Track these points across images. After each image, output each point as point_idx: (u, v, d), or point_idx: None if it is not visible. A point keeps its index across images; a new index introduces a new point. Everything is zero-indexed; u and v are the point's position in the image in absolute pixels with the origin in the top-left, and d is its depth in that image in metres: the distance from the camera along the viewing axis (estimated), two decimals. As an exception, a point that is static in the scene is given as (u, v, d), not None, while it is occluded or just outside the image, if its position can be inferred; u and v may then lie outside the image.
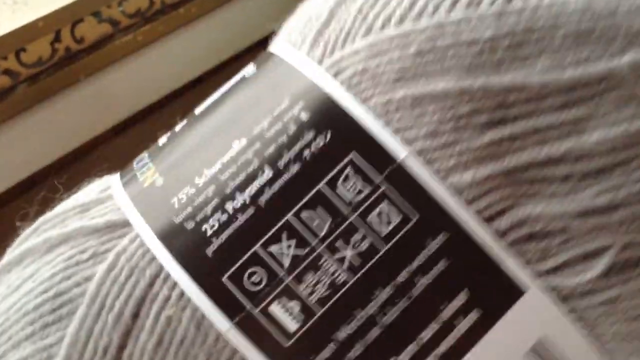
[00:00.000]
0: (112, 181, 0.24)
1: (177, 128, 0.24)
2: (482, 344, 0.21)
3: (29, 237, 0.24)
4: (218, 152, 0.22)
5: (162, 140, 0.24)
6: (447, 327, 0.21)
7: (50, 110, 0.32)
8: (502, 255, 0.21)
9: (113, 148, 0.36)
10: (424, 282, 0.20)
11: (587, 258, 0.21)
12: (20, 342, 0.22)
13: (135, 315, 0.21)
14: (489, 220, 0.21)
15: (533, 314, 0.21)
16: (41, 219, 0.24)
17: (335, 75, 0.21)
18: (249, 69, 0.24)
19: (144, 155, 0.24)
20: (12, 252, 0.24)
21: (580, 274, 0.21)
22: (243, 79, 0.24)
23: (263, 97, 0.22)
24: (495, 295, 0.21)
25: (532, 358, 0.21)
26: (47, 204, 0.25)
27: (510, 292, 0.21)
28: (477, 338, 0.21)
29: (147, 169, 0.23)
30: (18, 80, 0.31)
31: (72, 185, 0.25)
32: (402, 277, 0.20)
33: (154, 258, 0.21)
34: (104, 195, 0.23)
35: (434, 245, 0.20)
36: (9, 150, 0.31)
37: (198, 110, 0.24)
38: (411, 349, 0.20)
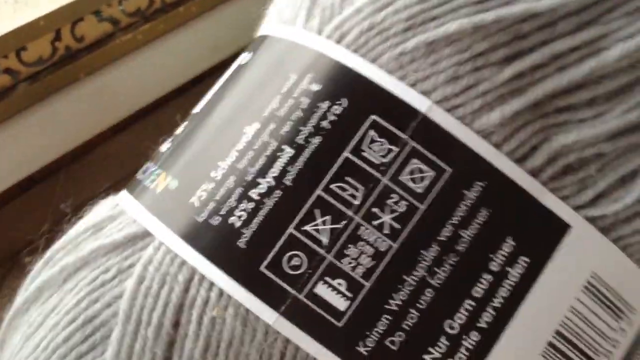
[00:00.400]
0: (120, 197, 0.23)
1: (179, 130, 0.23)
2: (536, 289, 0.20)
3: (43, 270, 0.22)
4: (231, 141, 0.21)
5: (165, 145, 0.23)
6: (499, 278, 0.20)
7: (50, 108, 0.32)
8: (541, 195, 0.20)
9: (114, 146, 0.36)
10: (467, 235, 0.20)
11: (624, 182, 0.21)
12: (55, 380, 0.20)
13: (176, 324, 0.19)
14: (522, 159, 0.20)
15: (580, 250, 0.20)
16: (52, 249, 0.22)
17: (339, 40, 0.20)
18: (244, 56, 0.23)
19: (148, 164, 0.23)
20: (26, 290, 0.22)
21: (620, 199, 0.20)
22: (240, 66, 0.23)
23: (267, 78, 0.21)
24: (541, 237, 0.20)
25: (588, 295, 0.20)
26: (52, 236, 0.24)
27: (555, 231, 0.20)
28: (530, 284, 0.20)
29: (157, 176, 0.22)
30: (19, 79, 0.31)
31: (74, 184, 0.23)
32: (445, 233, 0.19)
33: (184, 262, 0.20)
34: (115, 212, 0.22)
35: (471, 195, 0.20)
36: (10, 148, 0.30)
37: (198, 109, 0.23)
38: (467, 306, 0.19)
